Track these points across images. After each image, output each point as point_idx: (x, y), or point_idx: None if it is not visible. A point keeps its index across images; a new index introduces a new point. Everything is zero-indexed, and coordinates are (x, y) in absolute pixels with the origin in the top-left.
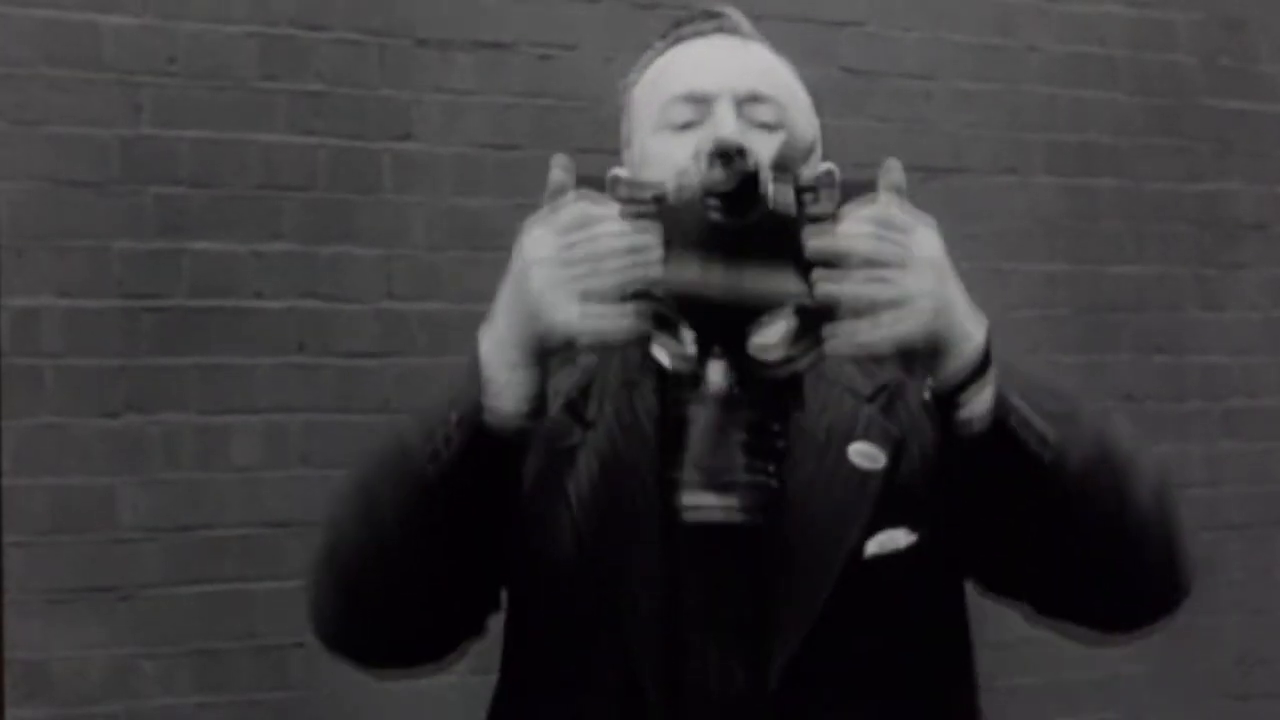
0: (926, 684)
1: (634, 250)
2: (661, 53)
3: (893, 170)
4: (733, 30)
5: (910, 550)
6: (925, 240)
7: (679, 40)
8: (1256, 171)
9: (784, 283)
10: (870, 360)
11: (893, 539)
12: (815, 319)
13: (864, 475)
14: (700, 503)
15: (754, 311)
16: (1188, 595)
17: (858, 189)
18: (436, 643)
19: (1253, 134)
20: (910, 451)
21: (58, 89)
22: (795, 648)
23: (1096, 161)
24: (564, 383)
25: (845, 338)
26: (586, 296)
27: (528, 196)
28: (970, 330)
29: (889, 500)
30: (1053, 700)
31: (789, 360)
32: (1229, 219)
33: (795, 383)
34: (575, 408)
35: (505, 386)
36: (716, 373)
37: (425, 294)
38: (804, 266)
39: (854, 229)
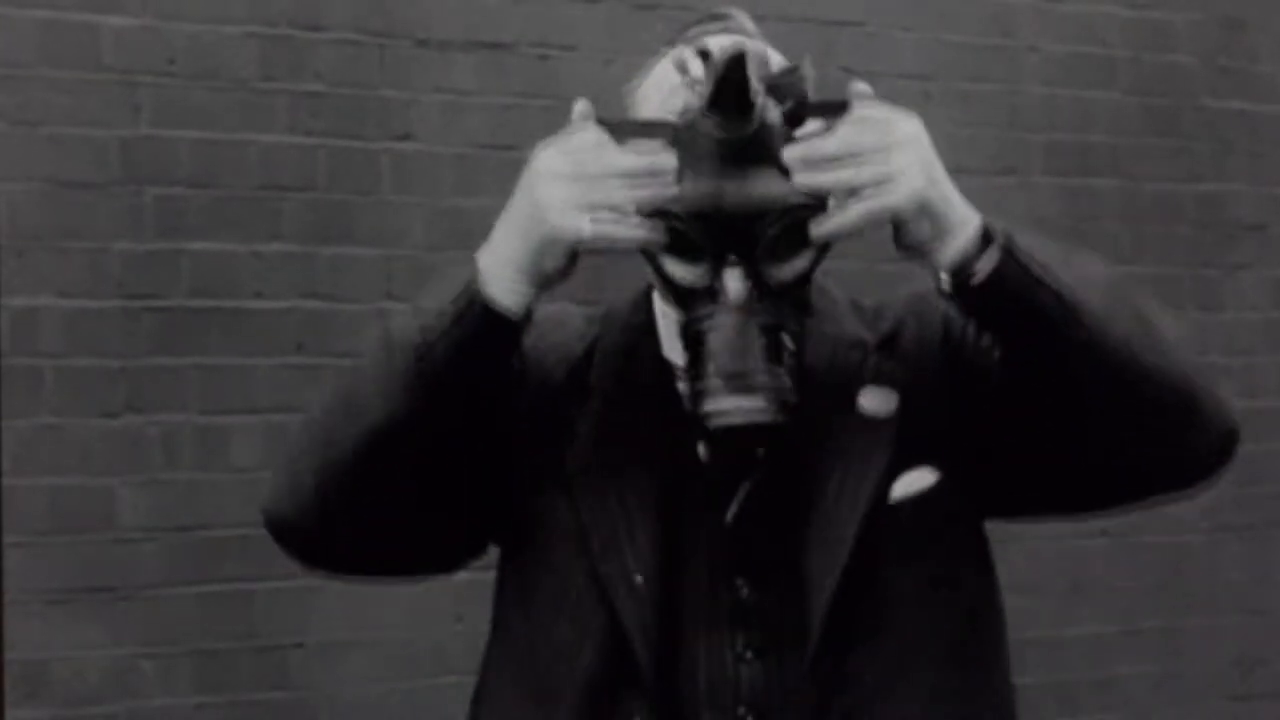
0: (958, 625)
1: (650, 170)
2: (666, 55)
3: (859, 85)
4: (738, 31)
5: (935, 490)
6: (904, 125)
7: (685, 42)
8: (1256, 172)
9: (788, 188)
10: (872, 313)
11: (918, 479)
12: (812, 217)
13: (877, 422)
14: (724, 407)
15: (762, 217)
16: (1236, 434)
17: (832, 109)
18: (397, 558)
19: (1252, 135)
20: (920, 392)
21: (57, 90)
22: (829, 598)
23: (1095, 162)
24: (564, 350)
25: (835, 220)
26: (596, 208)
27: None
28: (967, 214)
29: (906, 443)
30: (1053, 700)
31: (795, 262)
32: (1228, 220)
33: (803, 283)
34: (576, 374)
35: (503, 294)
36: (734, 279)
37: None
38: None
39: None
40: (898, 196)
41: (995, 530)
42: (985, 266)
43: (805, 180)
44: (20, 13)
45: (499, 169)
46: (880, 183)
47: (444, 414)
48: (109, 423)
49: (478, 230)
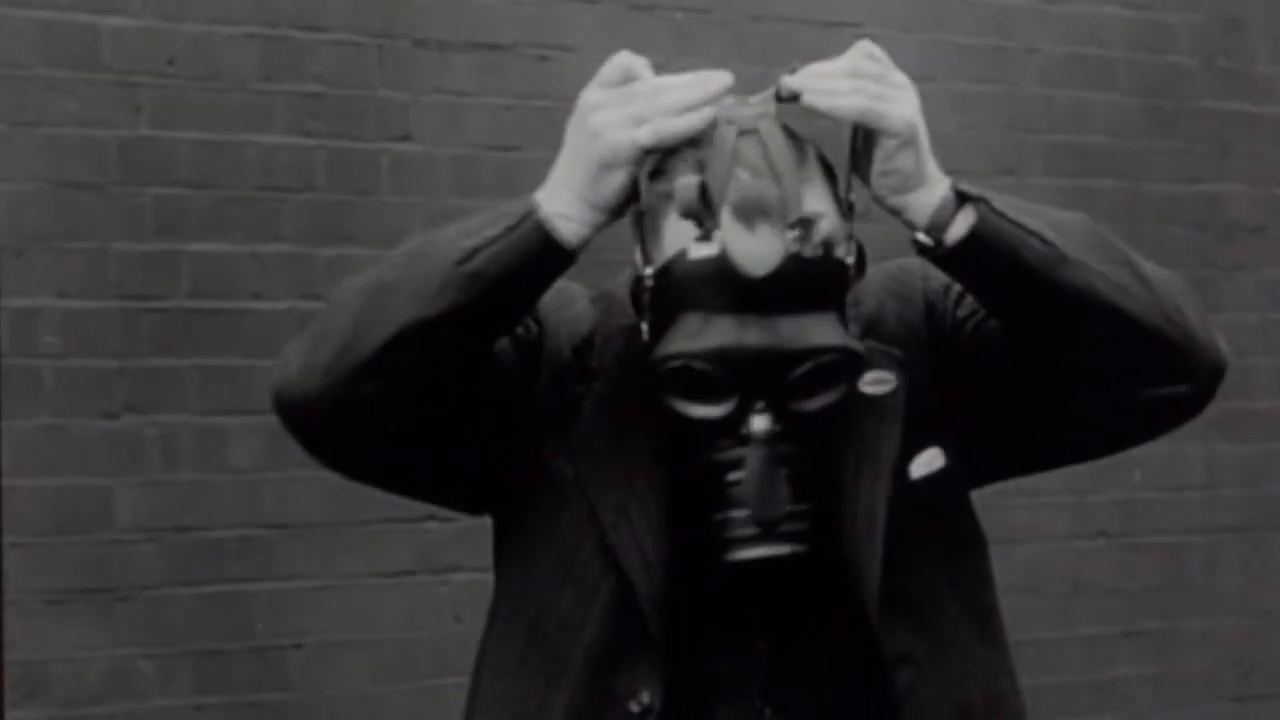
0: (979, 597)
1: (700, 79)
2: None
3: (864, 43)
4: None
5: (947, 470)
6: (901, 78)
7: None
8: (1254, 173)
9: (818, 328)
10: (850, 298)
11: (932, 459)
12: (849, 361)
13: (881, 401)
14: (754, 555)
15: (794, 359)
16: (1224, 366)
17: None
18: (393, 469)
19: (1251, 135)
20: (913, 370)
21: (57, 90)
22: (878, 578)
23: (1095, 163)
24: (572, 328)
25: (828, 99)
26: (651, 117)
27: None
28: (940, 175)
29: (911, 421)
30: (1052, 701)
31: (823, 395)
32: (1227, 220)
33: (828, 414)
34: (581, 354)
35: (559, 217)
36: (762, 422)
37: None
38: (838, 307)
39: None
40: (893, 114)
41: (994, 532)
42: (965, 220)
43: (813, 100)
44: (19, 13)
45: (498, 169)
46: (879, 99)
47: (472, 327)
48: (108, 423)
49: None
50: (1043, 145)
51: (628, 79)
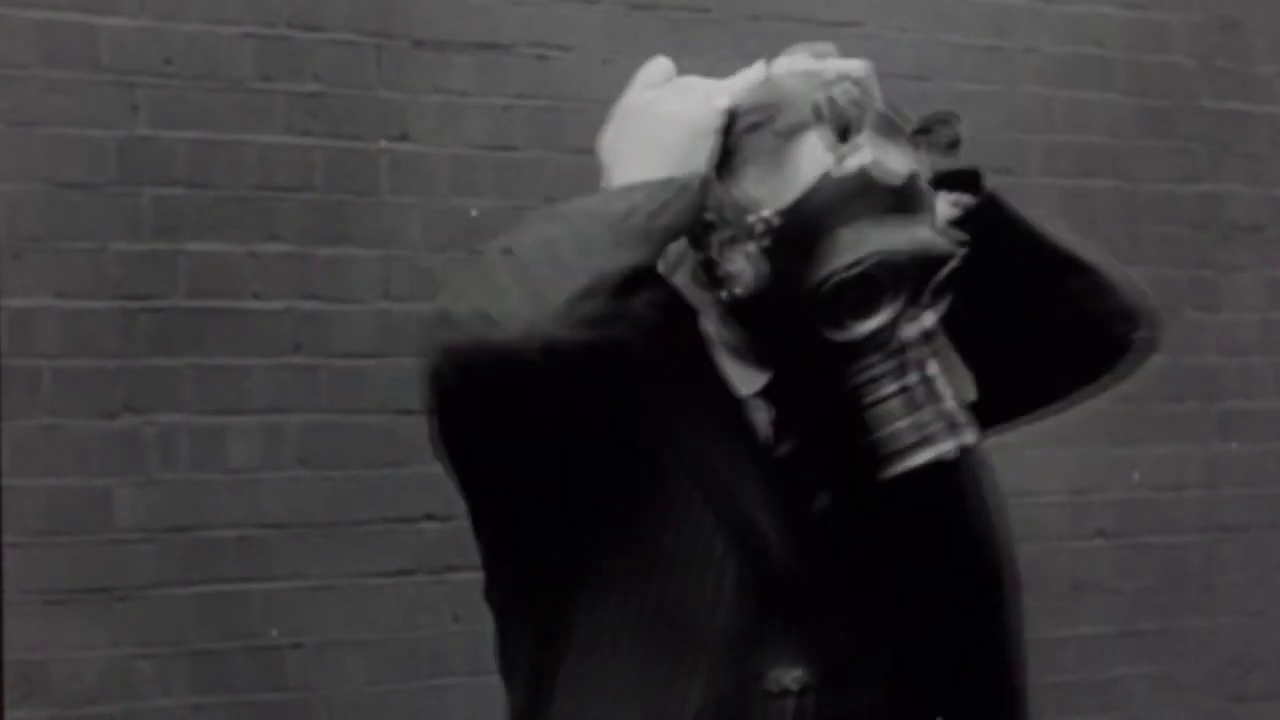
0: (973, 580)
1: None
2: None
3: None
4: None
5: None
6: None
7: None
8: (1253, 173)
9: (939, 234)
10: None
11: None
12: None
13: None
14: (925, 457)
15: (938, 262)
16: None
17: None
18: (517, 459)
19: (1249, 135)
20: None
21: (54, 90)
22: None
23: (1093, 163)
24: None
25: None
26: (713, 92)
27: (525, 197)
28: None
29: None
30: (1051, 701)
31: (941, 305)
32: (1226, 220)
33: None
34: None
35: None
36: (918, 326)
37: (423, 295)
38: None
39: None
40: None
41: None
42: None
43: None
44: (17, 13)
45: (497, 169)
46: None
47: (643, 283)
48: (107, 423)
49: (475, 231)
50: (1041, 145)
51: (668, 79)
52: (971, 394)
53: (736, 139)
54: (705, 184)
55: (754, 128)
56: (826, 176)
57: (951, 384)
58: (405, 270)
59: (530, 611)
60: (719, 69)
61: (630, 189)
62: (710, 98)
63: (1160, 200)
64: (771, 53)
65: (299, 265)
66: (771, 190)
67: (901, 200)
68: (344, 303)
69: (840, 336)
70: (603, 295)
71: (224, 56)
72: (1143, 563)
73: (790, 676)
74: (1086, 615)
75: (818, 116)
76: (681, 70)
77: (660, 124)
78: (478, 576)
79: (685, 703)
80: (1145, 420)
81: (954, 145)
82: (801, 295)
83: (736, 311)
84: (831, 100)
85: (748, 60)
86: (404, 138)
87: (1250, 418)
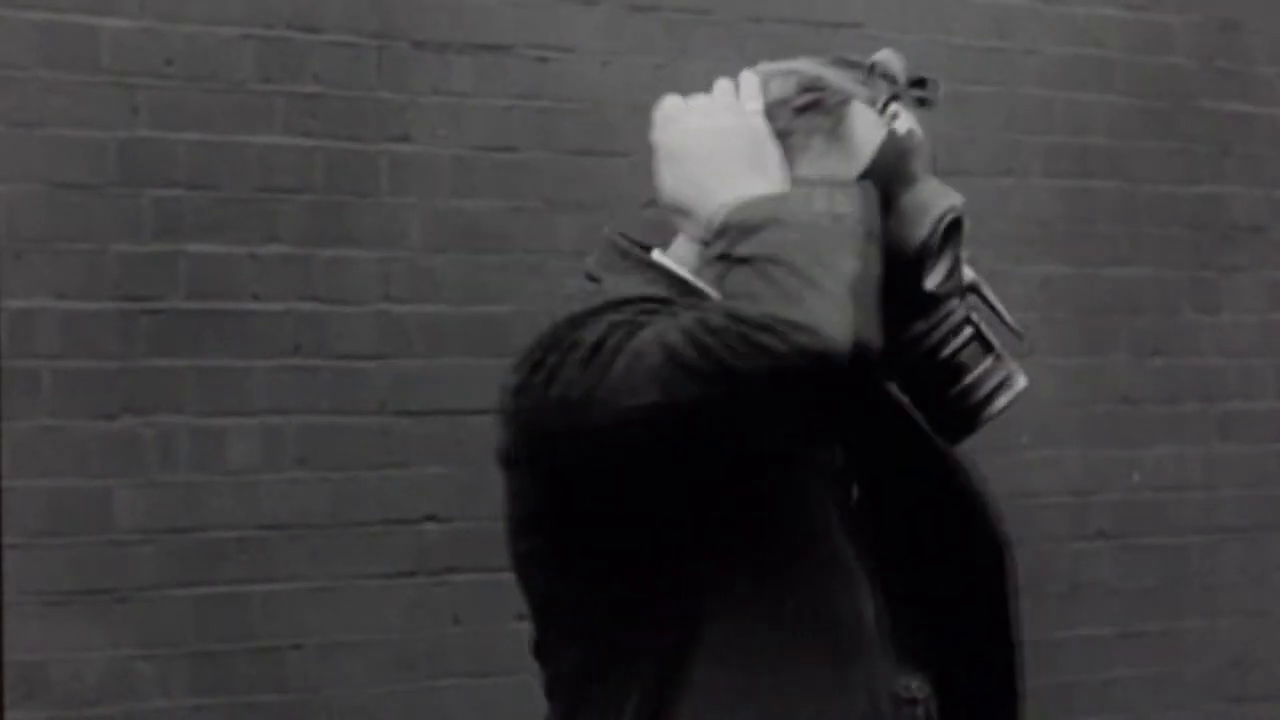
0: None
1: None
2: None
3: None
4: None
5: None
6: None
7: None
8: (1253, 174)
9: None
10: None
11: None
12: None
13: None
14: (1016, 390)
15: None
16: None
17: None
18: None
19: (1249, 136)
20: None
21: (55, 91)
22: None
23: (1093, 164)
24: None
25: None
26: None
27: (525, 198)
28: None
29: None
30: (1050, 702)
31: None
32: (1226, 221)
33: None
34: None
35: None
36: (972, 272)
37: (423, 296)
38: None
39: None
40: None
41: None
42: None
43: None
44: (18, 14)
45: (497, 170)
46: None
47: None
48: (106, 424)
49: (476, 232)
50: (1041, 146)
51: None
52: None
53: (787, 126)
54: (869, 186)
55: (803, 110)
56: (890, 138)
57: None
58: (405, 271)
59: (647, 627)
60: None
61: (805, 196)
62: (739, 106)
63: (1161, 201)
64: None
65: (299, 266)
66: (838, 162)
67: (928, 158)
68: (344, 304)
69: (933, 285)
70: (868, 300)
71: (224, 57)
72: (1143, 563)
73: (915, 683)
74: (1086, 616)
75: (863, 90)
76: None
77: (721, 140)
78: (477, 578)
79: (851, 709)
80: (1145, 420)
81: (927, 103)
82: (898, 251)
83: None
84: (870, 73)
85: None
86: (404, 139)
87: (1250, 418)
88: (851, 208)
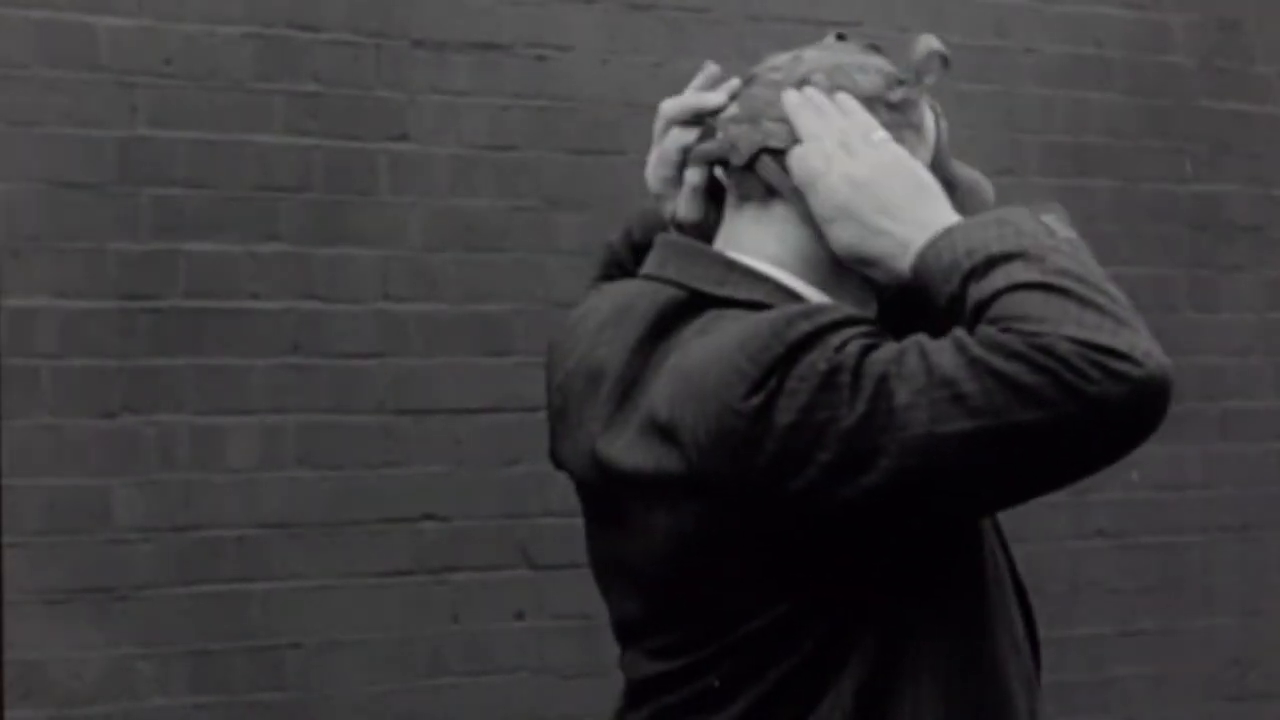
0: None
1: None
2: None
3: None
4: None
5: None
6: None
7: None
8: (1252, 173)
9: None
10: None
11: None
12: None
13: None
14: None
15: None
16: None
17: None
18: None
19: (1248, 136)
20: None
21: (54, 90)
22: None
23: (1092, 162)
24: None
25: None
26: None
27: (524, 197)
28: None
29: None
30: (1050, 701)
31: None
32: (1224, 220)
33: None
34: None
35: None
36: None
37: (422, 295)
38: None
39: None
40: None
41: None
42: None
43: None
44: (17, 13)
45: (496, 169)
46: None
47: None
48: (106, 423)
49: (474, 230)
50: (1040, 145)
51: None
52: None
53: (886, 123)
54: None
55: (896, 106)
56: (939, 124)
57: None
58: (405, 270)
59: (860, 648)
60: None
61: (1020, 222)
62: (869, 136)
63: (1159, 200)
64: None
65: (298, 265)
66: (924, 153)
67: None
68: (343, 303)
69: None
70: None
71: (223, 57)
72: (1142, 563)
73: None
74: (1086, 615)
75: (916, 79)
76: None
77: (882, 181)
78: (477, 577)
79: None
80: None
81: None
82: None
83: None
84: (922, 63)
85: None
86: (403, 138)
87: (1249, 417)
88: (1070, 228)
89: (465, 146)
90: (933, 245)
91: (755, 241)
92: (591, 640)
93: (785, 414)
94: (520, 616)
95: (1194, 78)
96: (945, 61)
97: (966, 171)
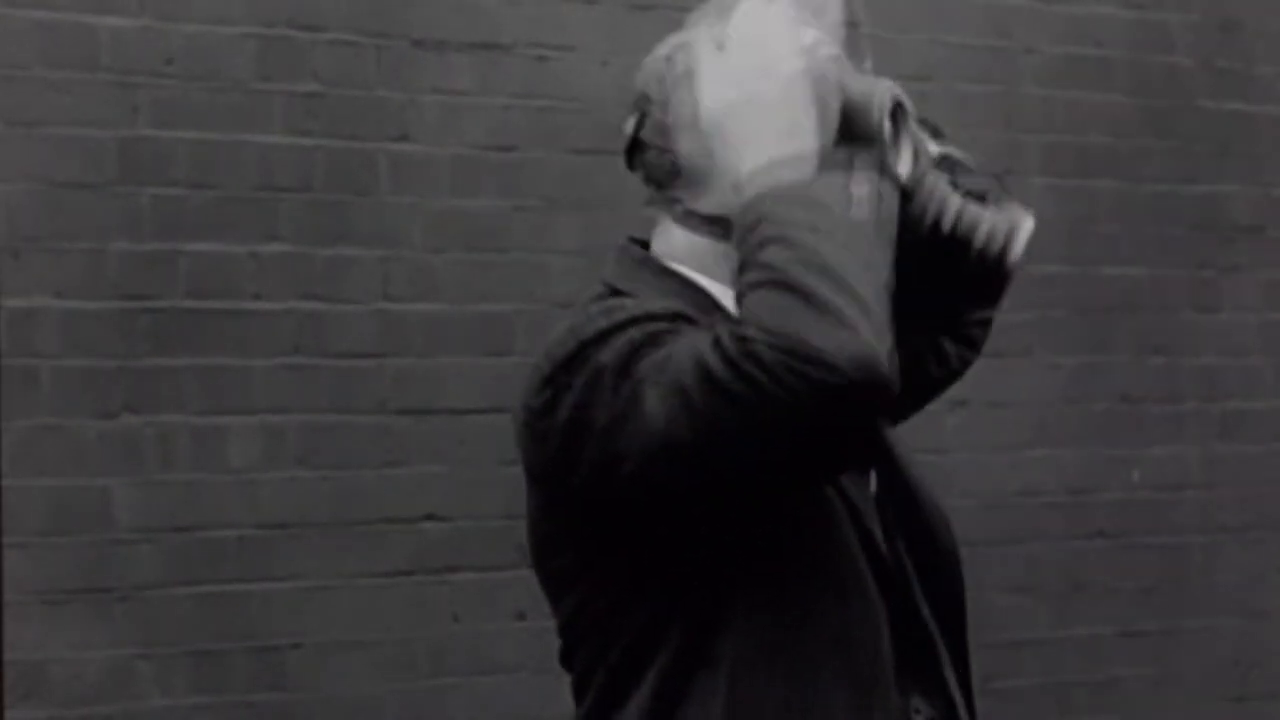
0: None
1: None
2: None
3: None
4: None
5: None
6: None
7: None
8: (1253, 174)
9: None
10: None
11: None
12: None
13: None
14: (1028, 229)
15: None
16: None
17: None
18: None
19: (1249, 136)
20: None
21: (55, 90)
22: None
23: (1093, 163)
24: None
25: None
26: None
27: (525, 197)
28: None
29: None
30: (1051, 702)
31: None
32: (1225, 221)
33: None
34: None
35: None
36: None
37: (422, 295)
38: None
39: None
40: None
41: (993, 532)
42: None
43: None
44: (18, 13)
45: (497, 169)
46: None
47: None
48: (106, 423)
49: (475, 231)
50: (1041, 145)
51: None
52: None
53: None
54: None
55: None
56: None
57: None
58: (405, 270)
59: (670, 642)
60: None
61: (843, 184)
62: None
63: (1160, 201)
64: None
65: (299, 265)
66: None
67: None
68: (344, 303)
69: (905, 171)
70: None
71: (224, 57)
72: (1142, 563)
73: (925, 705)
74: (1086, 615)
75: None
76: None
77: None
78: (478, 576)
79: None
80: (1145, 420)
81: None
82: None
83: None
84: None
85: None
86: (404, 138)
87: (1250, 418)
88: (885, 209)
89: (466, 146)
90: (756, 186)
91: (662, 236)
92: None
93: (564, 410)
94: (521, 616)
95: (1195, 78)
96: (903, 110)
97: (862, 88)
